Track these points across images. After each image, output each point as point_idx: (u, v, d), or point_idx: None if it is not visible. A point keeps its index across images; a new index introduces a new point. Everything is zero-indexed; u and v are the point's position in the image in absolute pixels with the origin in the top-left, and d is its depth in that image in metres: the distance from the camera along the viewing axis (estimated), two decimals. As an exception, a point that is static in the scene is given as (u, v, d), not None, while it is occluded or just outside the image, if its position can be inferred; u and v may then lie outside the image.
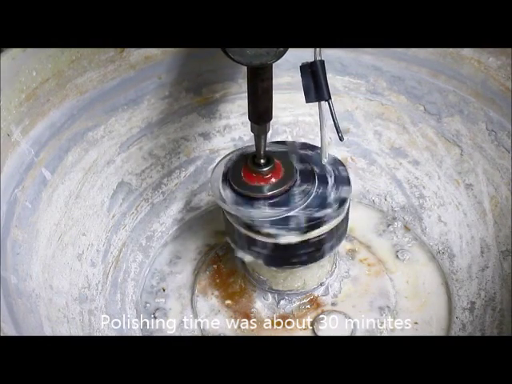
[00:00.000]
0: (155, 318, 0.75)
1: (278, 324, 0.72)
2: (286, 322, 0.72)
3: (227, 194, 0.61)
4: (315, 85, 0.55)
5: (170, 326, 0.74)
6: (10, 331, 0.51)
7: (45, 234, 0.67)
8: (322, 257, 0.65)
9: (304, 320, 0.72)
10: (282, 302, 0.72)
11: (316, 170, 0.63)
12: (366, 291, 0.75)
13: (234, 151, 0.66)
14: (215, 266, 0.78)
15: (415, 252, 0.80)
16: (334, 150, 0.68)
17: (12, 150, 0.63)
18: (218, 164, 0.64)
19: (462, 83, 0.76)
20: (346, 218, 0.65)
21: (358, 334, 0.71)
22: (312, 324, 0.71)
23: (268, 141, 0.61)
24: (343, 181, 0.63)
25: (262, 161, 0.60)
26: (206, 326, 0.73)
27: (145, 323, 0.74)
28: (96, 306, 0.70)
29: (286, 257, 0.64)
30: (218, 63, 0.78)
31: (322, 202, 0.61)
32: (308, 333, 0.71)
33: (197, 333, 0.73)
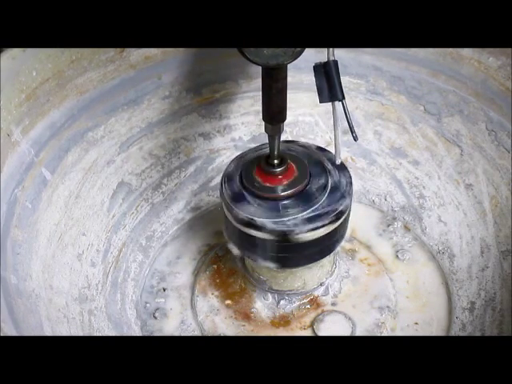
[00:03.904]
0: (155, 318, 0.75)
1: (278, 324, 0.72)
2: (286, 321, 0.72)
3: (240, 194, 0.61)
4: (329, 85, 0.55)
5: (169, 326, 0.74)
6: (10, 331, 0.52)
7: (45, 234, 0.67)
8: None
9: (304, 320, 0.72)
10: (282, 302, 0.72)
11: (330, 171, 0.63)
12: (365, 291, 0.75)
13: (245, 152, 0.66)
14: (215, 266, 0.78)
15: (415, 252, 0.80)
16: (333, 149, 0.68)
17: (12, 149, 0.63)
18: (228, 165, 0.64)
19: (462, 83, 0.76)
20: (346, 220, 0.65)
21: (358, 333, 0.71)
22: (312, 324, 0.71)
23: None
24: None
25: (276, 161, 0.60)
26: (206, 326, 0.73)
27: (145, 323, 0.74)
28: (96, 306, 0.70)
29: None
30: (218, 63, 0.78)
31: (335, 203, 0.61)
32: (308, 333, 0.71)
33: (197, 333, 0.73)
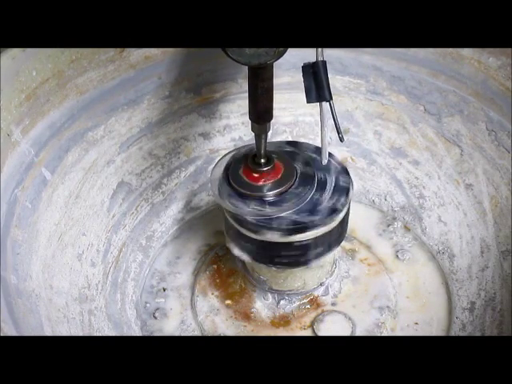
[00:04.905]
0: (155, 318, 0.75)
1: (278, 324, 0.72)
2: (286, 321, 0.72)
3: (227, 192, 0.61)
4: (316, 85, 0.55)
5: (169, 326, 0.74)
6: (10, 331, 0.52)
7: (45, 234, 0.67)
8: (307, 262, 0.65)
9: (304, 320, 0.72)
10: (282, 302, 0.72)
11: (317, 173, 0.63)
12: (366, 291, 0.75)
13: (232, 150, 0.66)
14: (215, 266, 0.78)
15: (415, 252, 0.80)
16: (334, 150, 0.68)
17: (12, 149, 0.63)
18: (217, 163, 0.64)
19: (462, 83, 0.76)
20: (345, 222, 0.65)
21: (358, 333, 0.71)
22: (312, 324, 0.71)
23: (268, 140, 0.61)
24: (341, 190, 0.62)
25: (263, 160, 0.61)
26: (206, 326, 0.73)
27: (145, 323, 0.74)
28: (96, 306, 0.70)
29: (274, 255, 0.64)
30: (218, 63, 0.78)
31: (314, 208, 0.61)
32: (308, 333, 0.71)
33: (197, 333, 0.73)
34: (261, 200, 0.61)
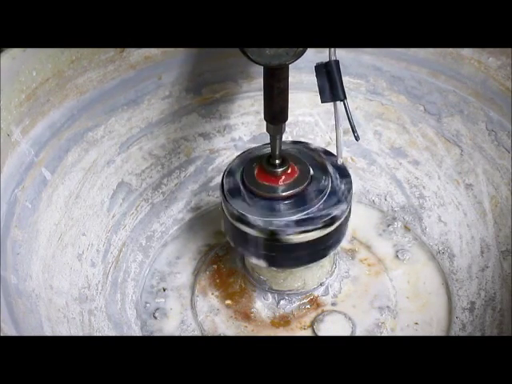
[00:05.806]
0: (155, 318, 0.75)
1: (278, 324, 0.72)
2: (286, 321, 0.72)
3: (241, 194, 0.61)
4: (330, 85, 0.55)
5: (169, 326, 0.74)
6: (10, 331, 0.52)
7: (45, 234, 0.67)
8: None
9: (304, 320, 0.72)
10: (282, 302, 0.72)
11: (332, 175, 0.63)
12: (365, 291, 0.75)
13: (245, 151, 0.66)
14: (215, 266, 0.78)
15: (415, 252, 0.80)
16: (334, 149, 0.68)
17: (12, 149, 0.63)
18: (230, 164, 0.64)
19: (462, 83, 0.76)
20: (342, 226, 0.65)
21: (358, 333, 0.71)
22: (312, 324, 0.71)
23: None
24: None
25: (277, 161, 0.60)
26: (206, 326, 0.73)
27: (145, 323, 0.74)
28: (96, 306, 0.70)
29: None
30: (218, 63, 0.78)
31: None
32: (308, 333, 0.71)
33: (197, 333, 0.73)
34: (276, 201, 0.60)
